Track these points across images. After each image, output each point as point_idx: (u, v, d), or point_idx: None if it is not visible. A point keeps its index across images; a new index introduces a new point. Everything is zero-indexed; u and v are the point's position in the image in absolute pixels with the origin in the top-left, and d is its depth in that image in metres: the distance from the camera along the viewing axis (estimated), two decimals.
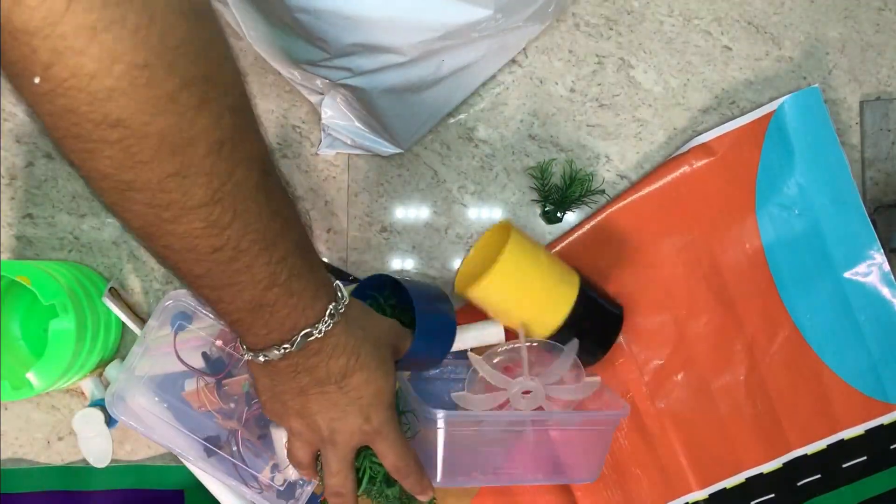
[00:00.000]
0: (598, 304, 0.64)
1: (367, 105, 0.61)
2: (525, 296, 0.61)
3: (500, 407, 0.64)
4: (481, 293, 0.61)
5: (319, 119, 0.70)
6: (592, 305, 0.63)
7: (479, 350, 0.65)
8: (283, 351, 0.42)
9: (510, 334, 0.66)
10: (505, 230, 0.62)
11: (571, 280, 0.62)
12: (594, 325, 0.64)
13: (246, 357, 0.45)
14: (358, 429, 0.47)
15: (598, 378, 0.65)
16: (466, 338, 0.65)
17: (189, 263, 0.36)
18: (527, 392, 0.63)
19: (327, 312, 0.43)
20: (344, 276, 0.70)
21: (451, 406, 0.68)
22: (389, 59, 0.56)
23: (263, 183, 0.36)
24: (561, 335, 0.62)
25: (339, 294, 0.45)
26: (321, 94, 0.65)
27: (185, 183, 0.32)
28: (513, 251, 0.59)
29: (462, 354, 0.66)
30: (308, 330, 0.42)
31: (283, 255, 0.38)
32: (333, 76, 0.58)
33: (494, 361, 0.63)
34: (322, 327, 0.42)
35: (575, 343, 0.63)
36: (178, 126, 0.31)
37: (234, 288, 0.38)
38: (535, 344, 0.63)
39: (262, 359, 0.43)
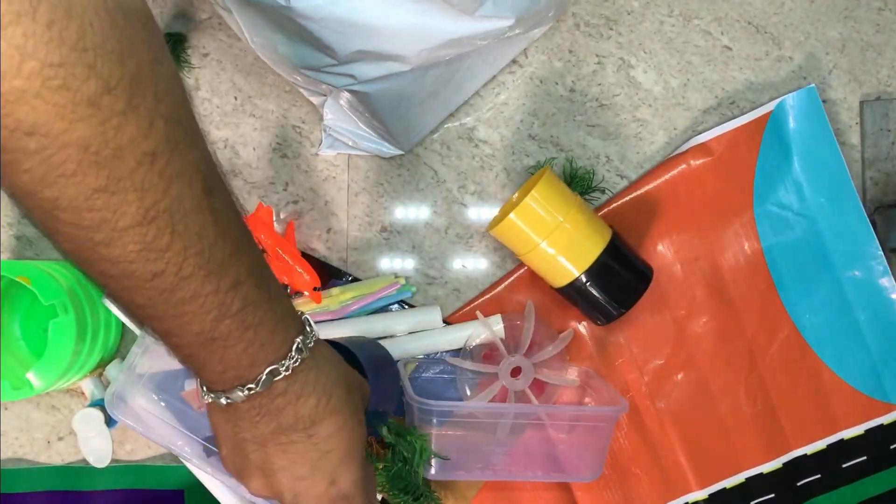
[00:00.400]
0: (628, 257, 0.64)
1: (369, 108, 0.61)
2: (555, 232, 0.61)
3: (500, 397, 0.66)
4: (516, 220, 0.61)
5: (320, 119, 0.70)
6: (622, 257, 0.64)
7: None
8: (247, 392, 0.38)
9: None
10: (542, 174, 0.63)
11: (603, 229, 0.63)
12: (621, 277, 0.63)
13: (207, 399, 0.40)
14: (324, 493, 0.42)
15: (570, 330, 0.69)
16: (447, 339, 0.68)
17: (129, 292, 0.33)
18: (517, 372, 0.65)
19: (294, 346, 0.39)
20: (344, 276, 0.70)
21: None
22: (393, 67, 0.56)
23: (207, 201, 0.33)
24: (587, 280, 0.62)
25: (308, 327, 0.41)
26: (323, 95, 0.65)
27: (113, 200, 0.29)
28: (547, 183, 0.61)
29: (456, 355, 0.69)
30: (274, 367, 0.38)
31: (233, 282, 0.35)
32: (337, 83, 0.58)
33: (473, 353, 0.67)
34: (288, 363, 0.38)
35: (531, 307, 0.67)
36: (102, 135, 0.28)
37: (180, 319, 0.34)
38: (500, 325, 0.67)
39: (224, 401, 0.39)
